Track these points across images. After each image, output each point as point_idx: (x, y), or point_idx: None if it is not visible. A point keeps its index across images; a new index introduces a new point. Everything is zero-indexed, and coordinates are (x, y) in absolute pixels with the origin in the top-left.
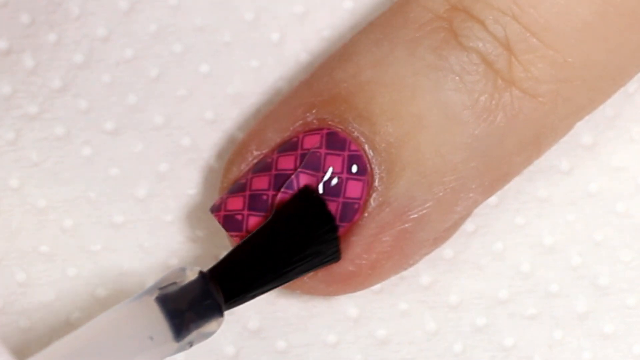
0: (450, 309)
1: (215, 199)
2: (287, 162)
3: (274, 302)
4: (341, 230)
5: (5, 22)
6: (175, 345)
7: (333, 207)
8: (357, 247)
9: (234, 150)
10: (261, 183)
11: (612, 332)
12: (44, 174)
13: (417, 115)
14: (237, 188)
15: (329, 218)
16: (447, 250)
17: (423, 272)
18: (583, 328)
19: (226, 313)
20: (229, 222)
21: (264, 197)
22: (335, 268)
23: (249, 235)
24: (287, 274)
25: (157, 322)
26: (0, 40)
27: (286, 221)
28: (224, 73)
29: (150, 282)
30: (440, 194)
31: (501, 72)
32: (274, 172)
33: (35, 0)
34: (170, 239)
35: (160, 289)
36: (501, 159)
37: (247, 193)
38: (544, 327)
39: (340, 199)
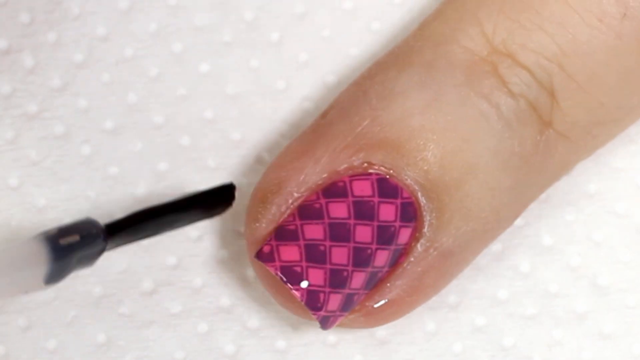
0: (450, 309)
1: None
2: (339, 210)
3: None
4: (387, 273)
5: (4, 21)
6: (50, 262)
7: (385, 255)
8: (401, 292)
9: (268, 187)
10: (315, 232)
11: (611, 332)
12: (44, 172)
13: (469, 163)
14: (288, 236)
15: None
16: None
17: None
18: (582, 328)
19: (225, 312)
20: (288, 274)
21: (322, 247)
22: (377, 309)
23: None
24: (169, 220)
25: (35, 244)
26: (0, 39)
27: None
28: (223, 73)
29: (149, 281)
30: (481, 235)
31: (544, 116)
32: (327, 220)
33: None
34: (170, 237)
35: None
36: (532, 196)
37: (302, 243)
38: (543, 327)
39: (392, 247)
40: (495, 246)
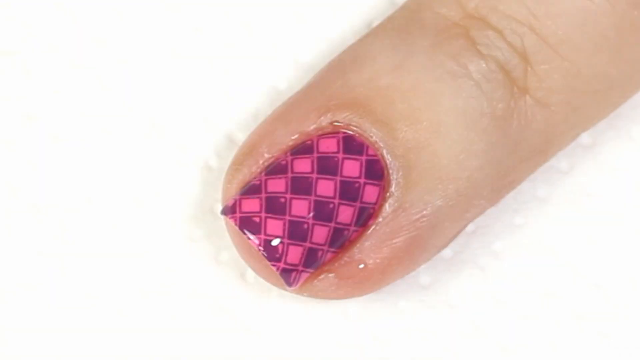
0: (450, 309)
1: (220, 199)
2: (303, 165)
3: (274, 301)
4: (355, 234)
5: (4, 22)
6: None
7: (349, 211)
8: (370, 252)
9: (242, 150)
10: (277, 186)
11: (611, 332)
12: (44, 173)
13: (437, 122)
14: (251, 190)
15: None
16: (446, 250)
17: (422, 272)
18: (582, 328)
19: (225, 312)
20: (246, 224)
21: (282, 200)
22: (346, 271)
23: None
24: None
25: None
26: (0, 39)
27: None
28: (223, 73)
29: (149, 282)
30: (454, 201)
31: (517, 81)
32: (290, 175)
33: (34, 0)
34: (170, 238)
35: None
36: (512, 166)
37: (264, 195)
38: (543, 327)
39: (358, 204)
40: (495, 246)
